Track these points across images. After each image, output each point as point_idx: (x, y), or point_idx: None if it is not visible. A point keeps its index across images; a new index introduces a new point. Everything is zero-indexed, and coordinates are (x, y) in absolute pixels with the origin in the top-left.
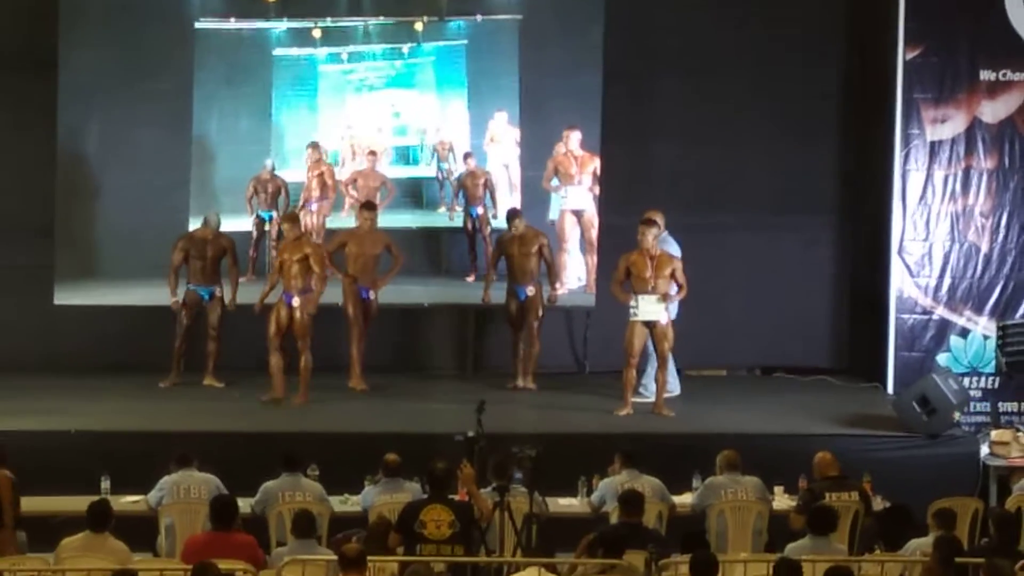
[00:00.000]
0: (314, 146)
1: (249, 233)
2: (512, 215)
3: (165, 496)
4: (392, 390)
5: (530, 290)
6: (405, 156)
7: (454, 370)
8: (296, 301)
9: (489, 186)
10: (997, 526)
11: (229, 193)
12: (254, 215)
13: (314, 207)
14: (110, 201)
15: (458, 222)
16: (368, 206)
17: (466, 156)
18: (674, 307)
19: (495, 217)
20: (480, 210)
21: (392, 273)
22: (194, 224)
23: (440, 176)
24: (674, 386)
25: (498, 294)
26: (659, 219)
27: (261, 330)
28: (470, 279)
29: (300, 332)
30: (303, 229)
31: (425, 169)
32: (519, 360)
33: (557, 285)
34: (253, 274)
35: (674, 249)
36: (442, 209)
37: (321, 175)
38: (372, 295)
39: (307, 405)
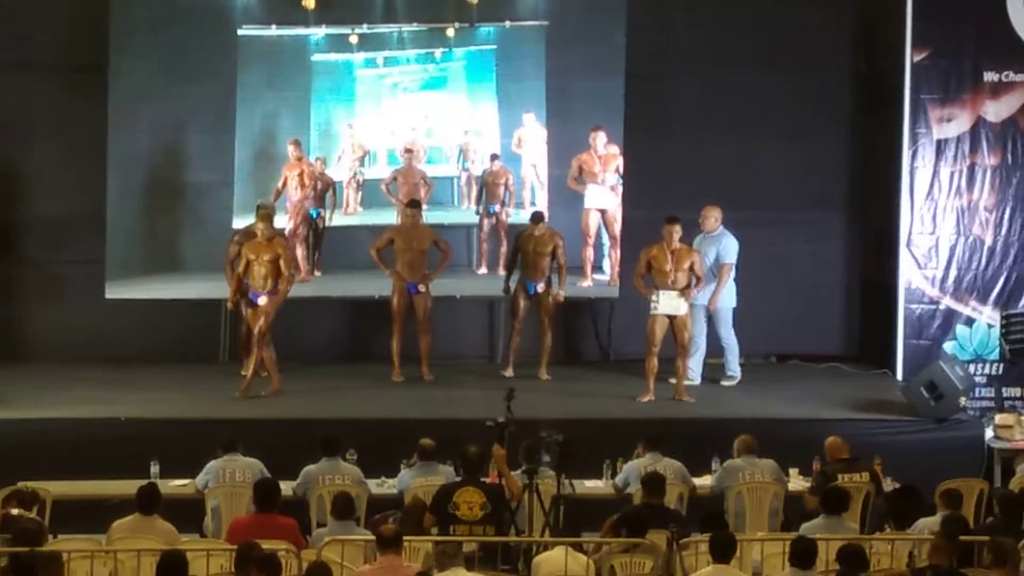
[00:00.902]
0: (296, 143)
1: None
2: (538, 218)
3: (211, 480)
4: (432, 379)
5: (540, 287)
6: (435, 156)
7: (484, 359)
8: (263, 300)
9: (509, 186)
10: (1001, 506)
11: (272, 193)
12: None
13: (288, 205)
14: (158, 200)
15: (468, 218)
16: (412, 204)
17: (493, 157)
18: (732, 295)
19: (508, 216)
20: (498, 207)
21: (441, 267)
22: (238, 222)
23: (463, 174)
24: (734, 371)
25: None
26: (716, 214)
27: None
28: (482, 271)
29: (262, 330)
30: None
31: (453, 168)
32: (512, 349)
33: (574, 284)
34: (311, 270)
35: (732, 243)
36: (466, 206)
37: (301, 174)
38: (420, 289)
39: (246, 399)
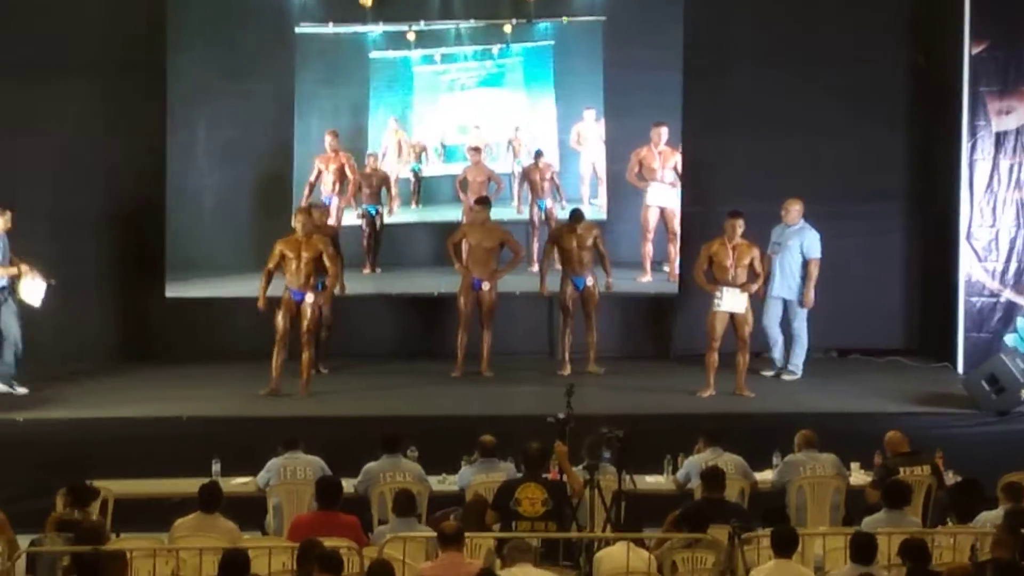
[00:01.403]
0: (333, 133)
1: (359, 227)
2: (578, 216)
3: (273, 478)
4: (492, 375)
5: (588, 280)
6: (493, 153)
7: (544, 356)
8: (309, 298)
9: (556, 180)
10: None
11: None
12: (361, 210)
13: (330, 201)
14: (217, 198)
15: (526, 215)
16: (480, 201)
17: (537, 154)
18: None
19: (563, 208)
20: (548, 203)
21: (510, 266)
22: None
23: (516, 172)
24: (796, 365)
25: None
26: (798, 207)
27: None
28: (533, 269)
29: (310, 328)
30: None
31: (508, 164)
32: (566, 347)
33: (613, 274)
34: (371, 268)
35: (815, 237)
36: (515, 203)
37: (341, 167)
38: (485, 286)
39: (307, 397)
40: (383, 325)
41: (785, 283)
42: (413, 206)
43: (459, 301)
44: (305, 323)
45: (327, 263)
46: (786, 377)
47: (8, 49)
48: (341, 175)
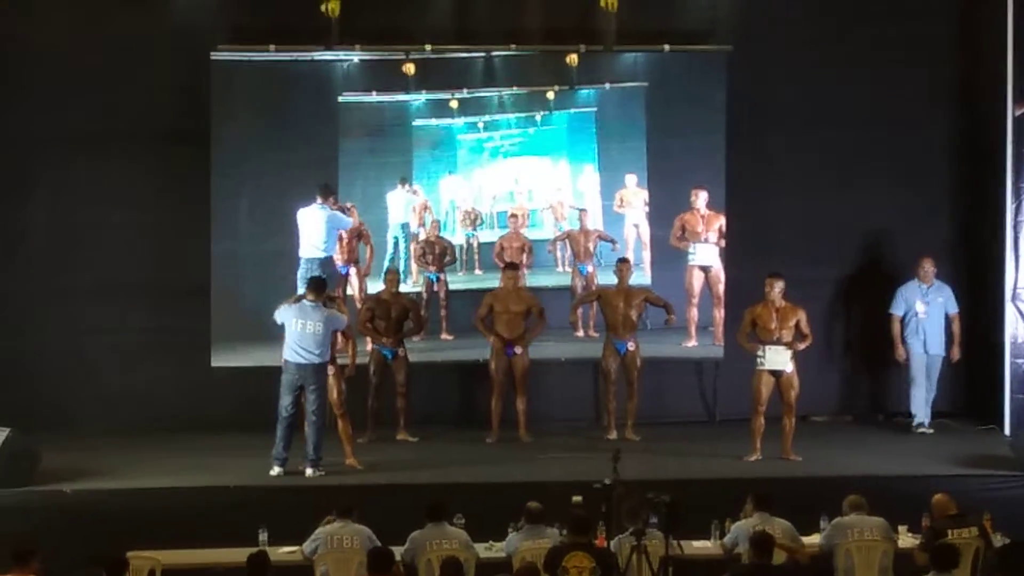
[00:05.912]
0: (351, 208)
1: (418, 294)
2: (625, 262)
3: (320, 546)
4: (530, 440)
5: (631, 345)
6: (535, 219)
7: (590, 421)
8: (330, 370)
9: (602, 237)
10: None
11: (375, 257)
12: (422, 276)
13: (346, 271)
14: (261, 266)
15: (568, 278)
16: (509, 266)
17: (581, 212)
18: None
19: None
20: (590, 268)
21: (533, 333)
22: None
23: (559, 236)
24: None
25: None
26: (930, 267)
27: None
28: (579, 334)
29: (336, 401)
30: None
31: (551, 231)
32: (611, 412)
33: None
34: (425, 334)
35: (950, 293)
36: (560, 269)
37: (355, 235)
38: (517, 350)
39: (358, 467)
40: (428, 391)
41: (935, 341)
42: (461, 273)
43: (491, 367)
44: (333, 396)
45: (341, 338)
46: (921, 431)
47: (56, 124)
48: (352, 243)
